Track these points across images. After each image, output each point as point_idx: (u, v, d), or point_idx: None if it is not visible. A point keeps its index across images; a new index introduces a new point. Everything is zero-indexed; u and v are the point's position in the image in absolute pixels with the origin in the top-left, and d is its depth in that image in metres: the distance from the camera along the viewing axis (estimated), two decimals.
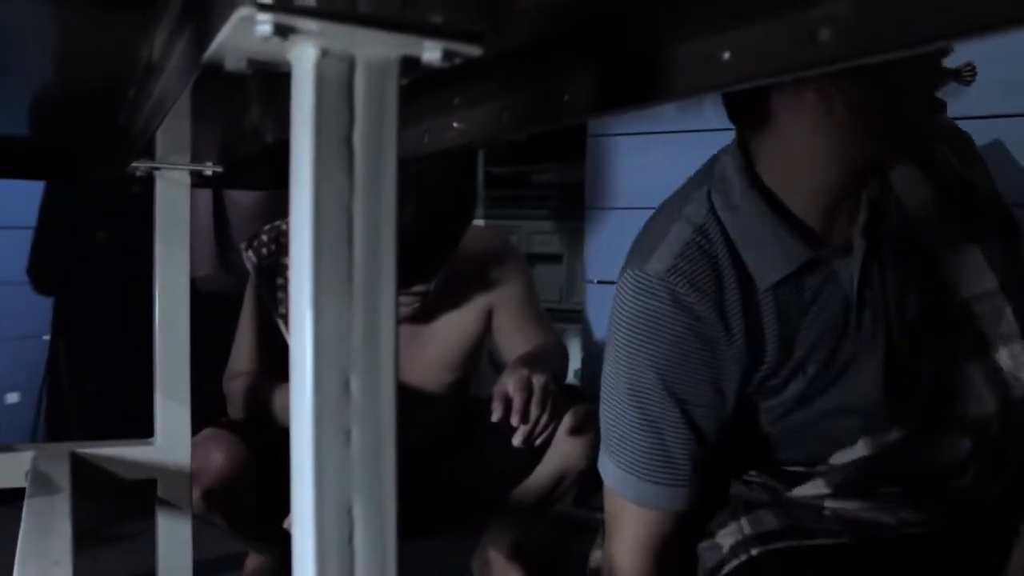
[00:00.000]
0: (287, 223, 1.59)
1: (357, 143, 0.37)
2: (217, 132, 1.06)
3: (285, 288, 1.49)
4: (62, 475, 0.95)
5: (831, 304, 0.98)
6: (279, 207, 2.12)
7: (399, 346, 0.39)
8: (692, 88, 0.49)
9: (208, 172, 1.10)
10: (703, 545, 1.07)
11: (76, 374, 2.42)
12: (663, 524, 1.00)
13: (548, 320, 1.69)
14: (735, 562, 1.01)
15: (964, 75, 0.93)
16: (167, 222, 1.11)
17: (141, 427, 1.49)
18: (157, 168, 1.09)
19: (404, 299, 1.42)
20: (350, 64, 0.37)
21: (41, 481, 0.92)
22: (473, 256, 1.51)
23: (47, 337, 2.42)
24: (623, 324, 0.98)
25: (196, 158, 1.11)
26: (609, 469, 1.02)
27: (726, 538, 1.05)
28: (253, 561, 1.63)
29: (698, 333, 0.95)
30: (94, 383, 2.43)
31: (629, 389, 0.98)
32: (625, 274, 1.00)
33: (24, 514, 0.81)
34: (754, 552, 1.00)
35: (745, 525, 1.04)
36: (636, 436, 0.98)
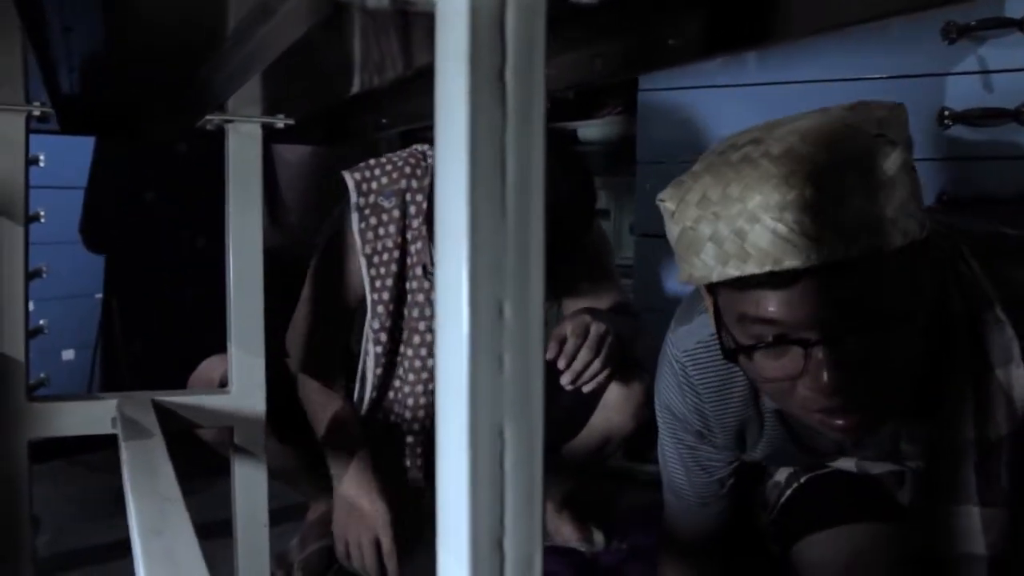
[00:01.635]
0: (391, 161, 1.56)
1: (509, 78, 0.39)
2: (285, 85, 1.07)
3: (376, 229, 1.48)
4: (150, 421, 0.98)
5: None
6: (328, 165, 2.14)
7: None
8: (813, 28, 0.50)
9: (280, 125, 1.12)
10: (769, 485, 1.15)
11: (129, 331, 2.47)
12: None
13: (618, 284, 1.67)
14: (788, 491, 1.16)
15: None
16: (239, 175, 1.13)
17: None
18: (230, 121, 1.10)
19: None
20: None
21: (132, 426, 0.95)
22: None
23: (100, 295, 2.46)
24: (657, 375, 1.09)
25: (265, 111, 1.13)
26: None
27: (782, 474, 1.19)
28: (314, 511, 1.67)
29: (698, 409, 1.03)
30: (146, 339, 2.48)
31: (661, 428, 1.12)
32: (671, 324, 1.07)
33: (125, 456, 0.84)
34: (803, 480, 1.15)
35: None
36: (667, 465, 1.13)
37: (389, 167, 1.51)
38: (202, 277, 2.46)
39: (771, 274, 0.73)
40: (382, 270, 1.47)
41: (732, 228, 0.73)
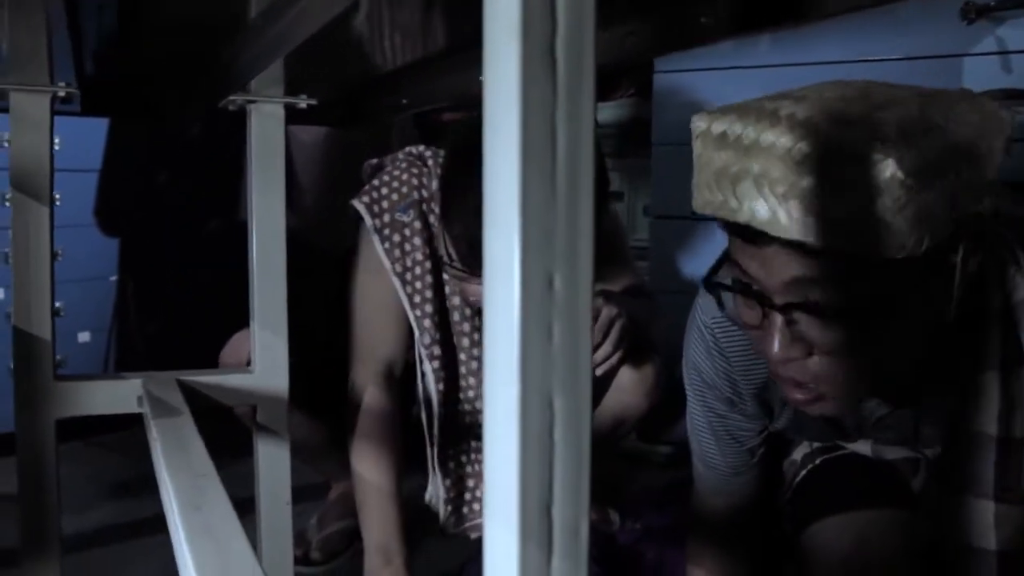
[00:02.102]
0: (393, 177, 1.51)
1: (560, 51, 0.39)
2: (310, 66, 1.08)
3: (402, 245, 1.44)
4: (177, 400, 0.99)
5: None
6: (343, 146, 2.14)
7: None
8: (845, 6, 0.50)
9: (302, 105, 1.12)
10: (786, 463, 1.16)
11: (144, 313, 2.48)
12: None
13: (632, 266, 1.65)
14: (804, 471, 1.17)
15: None
16: (262, 156, 1.13)
17: (209, 363, 1.54)
18: (252, 101, 1.11)
19: None
20: None
21: (160, 405, 0.96)
22: None
23: (114, 278, 2.48)
24: (686, 342, 1.08)
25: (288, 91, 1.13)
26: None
27: (799, 453, 1.21)
28: (336, 490, 1.68)
29: (727, 374, 1.03)
30: (161, 321, 2.49)
31: (690, 397, 1.11)
32: (699, 292, 1.06)
33: (155, 434, 0.84)
34: (818, 461, 1.16)
35: (811, 444, 1.19)
36: (698, 435, 1.12)
37: (395, 183, 1.46)
38: (216, 259, 2.47)
39: (748, 226, 0.75)
40: (417, 284, 1.44)
41: (731, 173, 0.75)
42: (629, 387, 1.54)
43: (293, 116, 1.20)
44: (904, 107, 0.73)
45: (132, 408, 1.08)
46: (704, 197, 0.79)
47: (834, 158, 0.70)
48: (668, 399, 1.63)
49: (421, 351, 1.44)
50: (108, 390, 1.10)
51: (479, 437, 1.50)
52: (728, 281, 0.84)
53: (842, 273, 0.75)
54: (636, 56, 0.69)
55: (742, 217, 0.74)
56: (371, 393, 1.41)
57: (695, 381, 1.07)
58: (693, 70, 1.93)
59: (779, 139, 0.72)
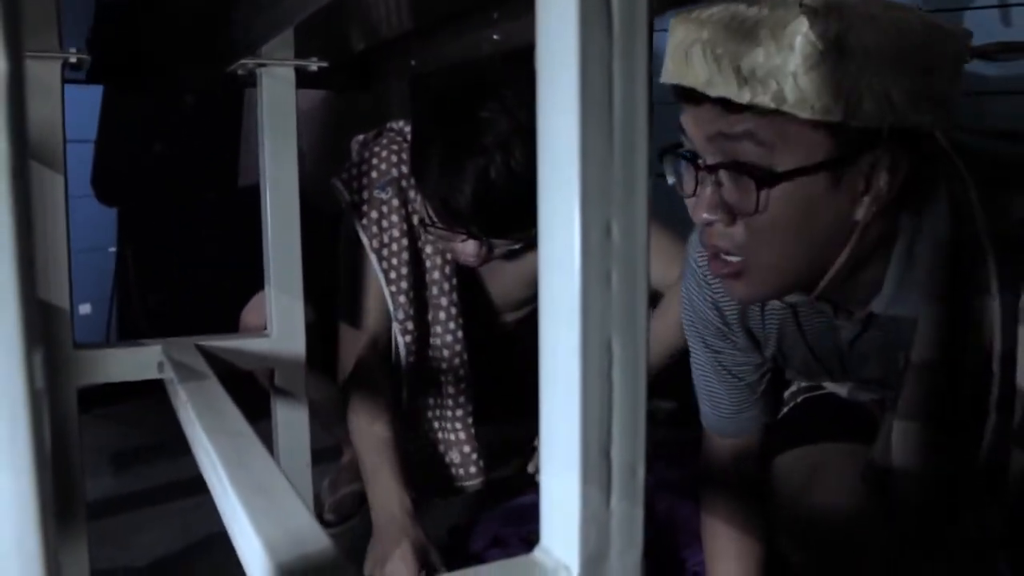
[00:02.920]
0: (373, 153, 1.49)
1: (615, 5, 0.40)
2: (319, 28, 1.08)
3: (379, 222, 1.44)
4: (199, 363, 1.00)
5: (827, 340, 1.04)
6: (341, 112, 2.14)
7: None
8: None
9: (313, 68, 1.12)
10: None
11: (144, 283, 2.48)
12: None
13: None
14: (785, 409, 1.24)
15: None
16: (274, 119, 1.13)
17: (212, 330, 1.54)
18: (263, 65, 1.10)
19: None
20: None
21: (184, 370, 0.97)
22: None
23: (113, 249, 2.47)
24: (683, 282, 1.11)
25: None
26: None
27: (786, 394, 1.26)
28: (348, 453, 1.70)
29: (714, 303, 1.06)
30: (161, 291, 2.49)
31: (689, 338, 1.13)
32: (695, 229, 1.07)
33: (184, 398, 0.85)
34: (799, 399, 1.23)
35: (798, 384, 1.26)
36: (700, 375, 1.15)
37: (375, 160, 1.46)
38: (216, 228, 2.47)
39: (692, 89, 0.80)
40: (393, 260, 1.44)
41: (687, 42, 0.80)
42: None
43: (301, 79, 1.20)
44: None
45: (152, 374, 1.09)
46: (667, 67, 0.84)
47: (763, 22, 0.76)
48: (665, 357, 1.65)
49: (395, 326, 1.46)
50: (128, 357, 1.10)
51: (450, 407, 1.53)
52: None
53: (759, 136, 0.79)
54: (661, 10, 0.70)
55: (687, 80, 0.80)
56: (361, 359, 1.44)
57: (690, 316, 1.11)
58: None
59: (725, 11, 0.78)
